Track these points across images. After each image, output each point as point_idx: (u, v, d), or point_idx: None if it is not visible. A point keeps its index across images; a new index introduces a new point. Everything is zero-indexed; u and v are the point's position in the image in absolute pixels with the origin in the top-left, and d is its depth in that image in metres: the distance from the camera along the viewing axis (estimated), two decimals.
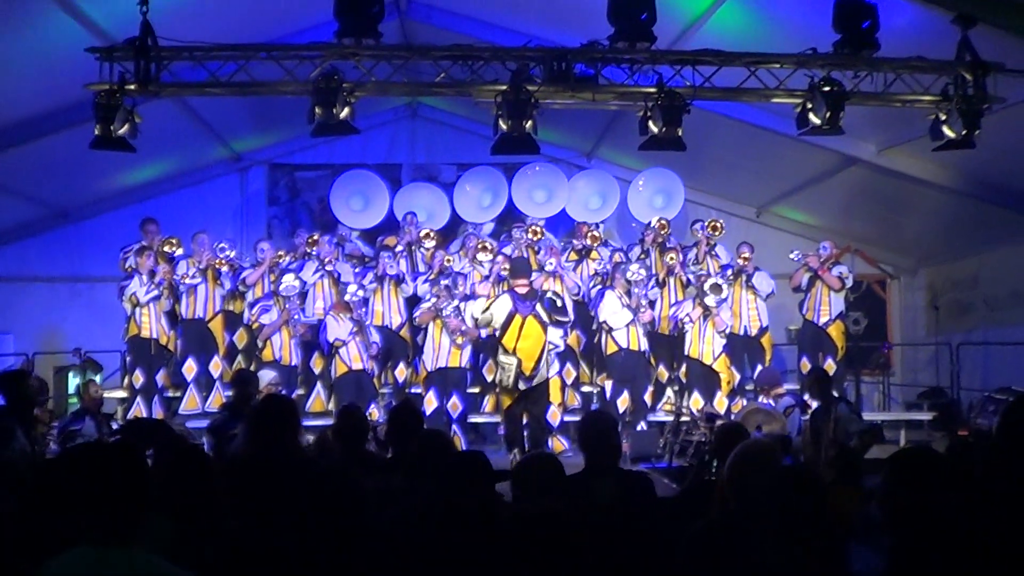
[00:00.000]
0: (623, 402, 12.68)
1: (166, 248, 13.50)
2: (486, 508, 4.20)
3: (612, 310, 12.79)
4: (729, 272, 13.72)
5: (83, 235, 15.95)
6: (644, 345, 12.97)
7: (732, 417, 11.30)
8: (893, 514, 3.65)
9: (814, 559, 3.88)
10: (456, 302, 12.58)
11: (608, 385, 12.89)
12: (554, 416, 12.18)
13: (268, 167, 17.05)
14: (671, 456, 11.39)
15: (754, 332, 13.74)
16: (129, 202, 15.77)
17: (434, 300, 12.59)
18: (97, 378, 13.38)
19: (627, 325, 12.76)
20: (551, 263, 13.34)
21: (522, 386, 10.80)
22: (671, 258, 13.89)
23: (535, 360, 10.80)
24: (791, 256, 13.90)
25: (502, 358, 10.91)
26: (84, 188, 15.10)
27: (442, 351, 12.60)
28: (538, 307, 10.81)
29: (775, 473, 4.63)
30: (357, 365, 12.55)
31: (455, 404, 12.60)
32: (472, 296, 13.06)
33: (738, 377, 13.50)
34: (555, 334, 11.81)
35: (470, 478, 4.30)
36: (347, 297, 12.69)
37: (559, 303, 11.29)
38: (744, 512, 4.10)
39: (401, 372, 13.44)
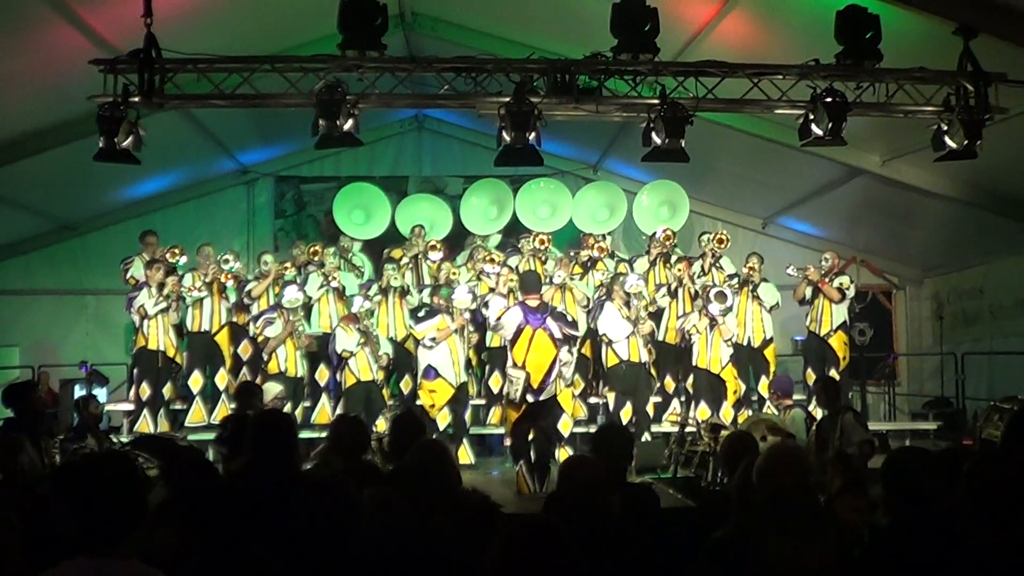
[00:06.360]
0: (626, 414, 12.66)
1: (168, 257, 13.53)
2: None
3: (611, 322, 12.78)
4: (735, 281, 13.71)
5: (89, 248, 16.02)
6: (644, 356, 12.95)
7: (737, 427, 11.26)
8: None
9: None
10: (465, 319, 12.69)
11: (611, 397, 12.85)
12: (565, 426, 12.07)
13: (274, 179, 17.09)
14: (676, 467, 11.40)
15: (758, 343, 13.70)
16: (135, 214, 15.82)
17: (444, 318, 12.51)
18: (102, 392, 13.42)
19: (627, 337, 12.74)
20: (560, 275, 13.29)
21: (530, 399, 10.58)
22: (679, 270, 13.83)
23: (544, 373, 10.54)
24: (788, 272, 13.87)
25: (511, 371, 10.71)
26: (90, 201, 15.16)
27: (461, 367, 12.63)
28: (548, 320, 10.67)
29: (804, 476, 4.57)
30: (366, 376, 12.61)
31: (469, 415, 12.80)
32: (485, 306, 13.08)
33: (743, 387, 13.48)
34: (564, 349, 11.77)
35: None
36: (355, 309, 12.72)
37: (569, 318, 11.23)
38: (768, 518, 3.96)
39: (407, 384, 13.42)
